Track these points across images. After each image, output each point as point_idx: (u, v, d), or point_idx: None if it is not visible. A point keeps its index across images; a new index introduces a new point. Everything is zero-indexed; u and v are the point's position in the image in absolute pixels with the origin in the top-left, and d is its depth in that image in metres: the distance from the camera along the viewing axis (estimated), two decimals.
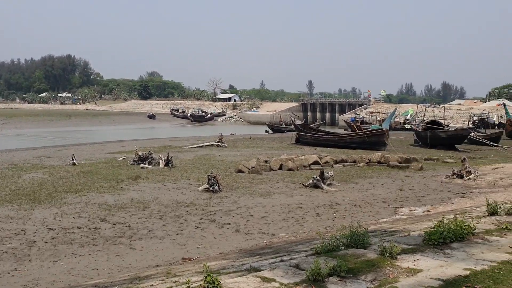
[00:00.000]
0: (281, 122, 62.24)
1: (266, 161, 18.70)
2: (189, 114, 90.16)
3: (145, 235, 8.89)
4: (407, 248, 5.27)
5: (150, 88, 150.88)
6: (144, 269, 6.75)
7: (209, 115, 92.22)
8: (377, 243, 5.24)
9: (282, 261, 5.08)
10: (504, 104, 64.57)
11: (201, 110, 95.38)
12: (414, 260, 4.79)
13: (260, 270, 4.69)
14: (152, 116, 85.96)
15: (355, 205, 11.68)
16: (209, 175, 13.31)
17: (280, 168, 18.02)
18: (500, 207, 7.43)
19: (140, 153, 19.56)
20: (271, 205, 11.49)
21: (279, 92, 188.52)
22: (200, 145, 28.63)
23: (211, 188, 13.00)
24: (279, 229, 9.36)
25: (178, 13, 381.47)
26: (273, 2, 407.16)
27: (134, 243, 8.39)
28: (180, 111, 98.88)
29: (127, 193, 12.94)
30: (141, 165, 18.48)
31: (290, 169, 17.75)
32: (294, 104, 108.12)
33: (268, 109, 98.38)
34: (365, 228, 5.92)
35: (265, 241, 8.40)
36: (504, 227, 6.22)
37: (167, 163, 18.19)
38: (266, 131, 54.11)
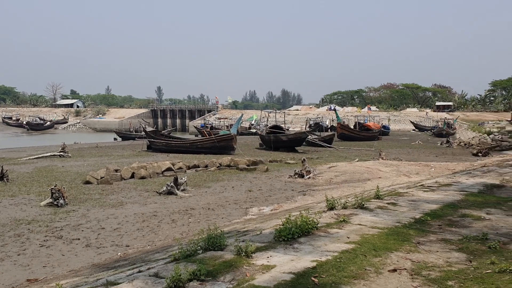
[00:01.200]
0: (131, 129, 60.37)
1: (116, 170, 17.91)
2: (24, 122, 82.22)
3: None
4: (261, 246, 5.58)
5: None
6: None
7: (48, 122, 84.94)
8: (233, 244, 5.44)
9: (140, 271, 4.96)
10: (335, 109, 72.13)
11: (39, 118, 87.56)
12: (268, 257, 5.09)
13: (118, 284, 4.51)
14: None
15: (209, 208, 11.91)
16: (52, 188, 12.26)
17: (132, 176, 17.45)
18: (337, 202, 8.31)
19: None
20: (124, 216, 11.06)
21: (127, 98, 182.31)
22: (40, 155, 26.11)
23: (55, 203, 11.98)
24: (134, 240, 9.08)
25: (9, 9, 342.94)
26: (113, 4, 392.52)
27: None
28: (14, 118, 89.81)
29: None
30: None
31: (142, 177, 17.30)
32: (143, 110, 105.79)
33: (116, 116, 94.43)
34: (221, 231, 6.09)
35: (119, 254, 8.06)
36: (342, 220, 6.97)
37: (1, 177, 16.24)
38: (115, 139, 51.99)
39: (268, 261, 4.94)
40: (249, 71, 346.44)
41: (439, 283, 4.32)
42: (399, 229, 6.49)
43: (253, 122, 69.78)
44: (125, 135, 54.15)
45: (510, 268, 4.58)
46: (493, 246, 5.58)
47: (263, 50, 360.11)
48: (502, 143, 37.67)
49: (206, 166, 20.48)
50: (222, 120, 72.52)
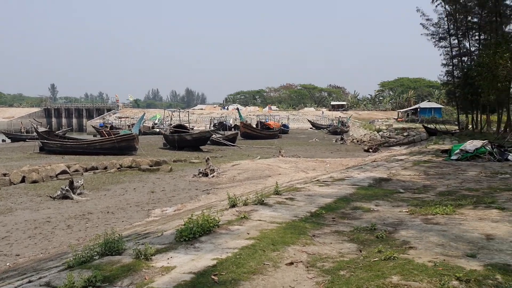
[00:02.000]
0: (22, 130, 55.91)
1: (4, 175, 16.51)
2: None
3: None
4: (161, 248, 5.49)
5: None
6: None
7: None
8: (132, 247, 5.29)
9: (30, 281, 4.63)
10: (237, 109, 73.12)
11: None
12: (168, 258, 5.03)
13: None
14: None
15: (108, 212, 11.45)
16: None
17: (23, 181, 16.19)
18: (238, 199, 8.45)
19: None
20: (13, 223, 10.23)
21: (16, 96, 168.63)
22: None
23: None
24: (25, 248, 8.44)
25: None
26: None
27: None
28: None
29: None
30: None
31: (34, 181, 16.12)
32: (36, 109, 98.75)
33: (4, 116, 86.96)
34: (119, 234, 5.89)
35: (8, 264, 7.45)
36: (243, 216, 7.10)
37: None
38: (3, 140, 47.98)
39: (168, 263, 4.88)
40: (152, 69, 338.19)
41: (332, 273, 4.59)
42: (296, 223, 6.78)
43: (156, 121, 68.36)
44: (15, 136, 50.16)
45: (394, 255, 4.99)
46: (380, 235, 6.05)
47: (167, 48, 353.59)
48: (390, 139, 40.94)
49: (106, 168, 19.66)
50: (123, 119, 70.02)
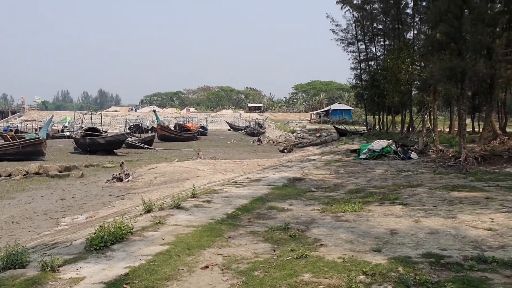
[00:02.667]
0: None
1: None
2: None
3: None
4: (70, 259, 5.23)
5: None
6: None
7: None
8: (38, 259, 4.99)
9: None
10: (154, 111, 71.62)
11: None
12: (77, 269, 4.80)
13: None
14: None
15: (13, 222, 10.67)
16: None
17: None
18: (154, 204, 8.29)
19: None
20: None
21: None
22: None
23: None
24: None
25: None
26: None
27: None
28: None
29: None
30: None
31: None
32: None
33: None
34: (23, 246, 5.52)
35: None
36: (158, 221, 6.98)
37: None
38: None
39: (77, 274, 4.66)
40: (61, 68, 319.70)
41: (246, 274, 4.66)
42: (212, 226, 6.79)
43: (66, 124, 64.87)
44: None
45: (306, 254, 5.19)
46: (293, 234, 6.25)
47: (77, 46, 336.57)
48: (304, 140, 42.40)
49: (10, 175, 18.29)
50: (29, 122, 65.67)
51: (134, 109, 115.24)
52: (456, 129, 27.04)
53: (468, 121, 39.79)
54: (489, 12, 17.42)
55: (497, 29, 18.62)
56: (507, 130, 30.87)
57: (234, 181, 12.77)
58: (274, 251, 5.53)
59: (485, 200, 9.09)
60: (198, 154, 25.70)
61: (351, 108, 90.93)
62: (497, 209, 8.08)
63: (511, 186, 11.17)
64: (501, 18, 18.01)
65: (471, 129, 37.03)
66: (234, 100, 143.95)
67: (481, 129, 25.63)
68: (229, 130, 75.72)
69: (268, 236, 6.25)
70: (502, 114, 34.32)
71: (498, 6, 19.32)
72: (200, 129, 58.57)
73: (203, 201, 9.05)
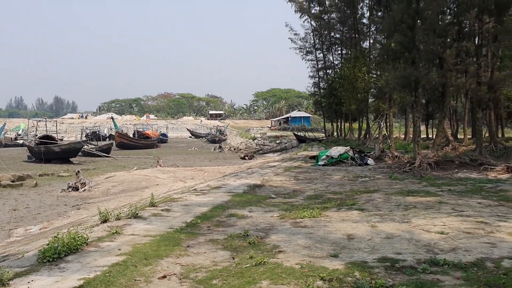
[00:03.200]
0: None
1: None
2: None
3: None
4: (21, 271, 5.04)
5: None
6: None
7: None
8: None
9: None
10: (112, 118, 70.22)
11: None
12: (29, 282, 4.64)
13: None
14: None
15: None
16: None
17: None
18: (111, 213, 8.11)
19: None
20: None
21: None
22: None
23: None
24: None
25: None
26: None
27: None
28: None
29: None
30: None
31: None
32: None
33: None
34: None
35: None
36: (115, 231, 6.83)
37: None
38: None
39: (28, 287, 4.50)
40: (14, 75, 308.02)
41: (204, 283, 4.64)
42: (171, 235, 6.72)
43: (20, 132, 62.46)
44: None
45: (264, 260, 5.21)
46: (253, 241, 6.27)
47: (32, 51, 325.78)
48: (264, 147, 42.61)
49: None
50: None
51: (84, 116, 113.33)
52: (411, 136, 27.90)
53: (423, 128, 41.30)
54: (439, 23, 18.14)
55: (448, 40, 19.40)
56: (459, 136, 32.18)
57: (194, 189, 12.68)
58: (233, 258, 5.53)
59: (438, 204, 9.43)
60: (158, 162, 25.35)
61: (310, 115, 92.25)
62: (448, 213, 8.40)
63: (461, 190, 11.65)
64: (451, 29, 18.80)
65: (425, 136, 38.35)
66: (195, 107, 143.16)
67: (434, 136, 26.55)
68: (190, 137, 75.16)
69: (227, 244, 6.24)
70: (454, 121, 35.78)
71: (448, 17, 20.17)
72: (160, 137, 57.77)
73: (162, 210, 8.94)
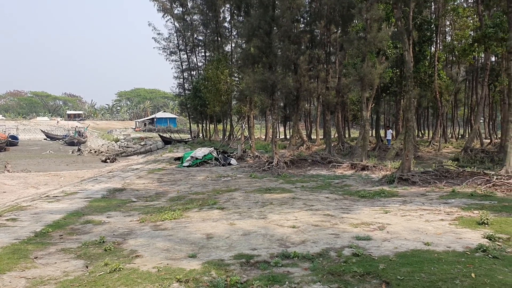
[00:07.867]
0: None
1: None
2: None
3: None
4: None
5: None
6: None
7: None
8: None
9: None
10: None
11: None
12: None
13: None
14: None
15: None
16: None
17: None
18: None
19: None
20: None
21: None
22: None
23: None
24: None
25: None
26: None
27: None
28: None
29: None
30: None
31: None
32: None
33: None
34: None
35: None
36: None
37: None
38: None
39: None
40: None
41: None
42: (16, 246, 6.17)
43: None
44: None
45: (120, 267, 5.08)
46: (109, 248, 6.06)
47: None
48: (128, 149, 41.21)
49: None
50: None
51: None
52: (271, 137, 29.45)
53: (281, 129, 43.86)
54: (294, 30, 19.48)
55: (302, 47, 20.94)
56: (312, 137, 34.84)
57: (47, 196, 11.78)
58: (87, 267, 5.28)
59: (292, 200, 10.14)
60: (5, 167, 22.90)
61: (176, 116, 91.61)
62: (300, 207, 9.09)
63: (313, 186, 12.67)
64: (304, 36, 20.34)
65: (284, 136, 40.80)
66: (51, 106, 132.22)
67: (290, 136, 28.35)
68: (45, 139, 69.22)
69: (81, 253, 5.94)
70: (308, 123, 38.65)
71: (302, 26, 21.78)
72: (9, 139, 52.20)
73: (7, 220, 8.14)
